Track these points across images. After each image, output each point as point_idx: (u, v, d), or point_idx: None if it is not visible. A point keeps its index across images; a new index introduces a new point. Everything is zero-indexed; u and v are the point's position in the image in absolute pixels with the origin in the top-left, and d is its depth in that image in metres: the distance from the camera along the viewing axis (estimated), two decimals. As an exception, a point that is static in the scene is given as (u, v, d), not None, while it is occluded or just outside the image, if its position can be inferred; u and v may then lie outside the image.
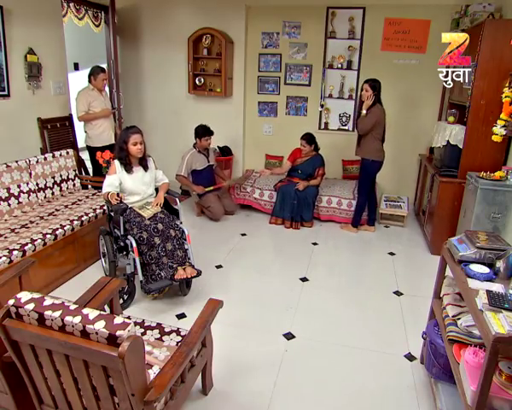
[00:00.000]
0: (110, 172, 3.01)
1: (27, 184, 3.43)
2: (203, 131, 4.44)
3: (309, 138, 4.44)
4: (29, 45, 4.00)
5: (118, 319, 1.27)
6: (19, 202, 3.33)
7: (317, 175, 4.49)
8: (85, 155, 4.59)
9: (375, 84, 3.86)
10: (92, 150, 4.25)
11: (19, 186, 3.34)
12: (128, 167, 3.00)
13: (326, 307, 2.95)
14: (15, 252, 2.67)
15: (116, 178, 2.96)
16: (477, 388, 1.49)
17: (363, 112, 3.89)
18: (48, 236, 2.94)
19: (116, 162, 3.01)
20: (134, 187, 3.03)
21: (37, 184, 3.56)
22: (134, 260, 2.80)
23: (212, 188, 4.50)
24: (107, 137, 4.35)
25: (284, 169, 4.68)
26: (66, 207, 3.53)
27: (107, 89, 4.50)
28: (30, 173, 3.48)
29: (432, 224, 3.86)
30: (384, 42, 4.85)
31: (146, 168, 3.09)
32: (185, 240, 3.00)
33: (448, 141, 3.71)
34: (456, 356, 1.79)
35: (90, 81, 4.24)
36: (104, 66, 4.92)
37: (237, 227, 4.37)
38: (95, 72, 4.19)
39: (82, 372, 1.35)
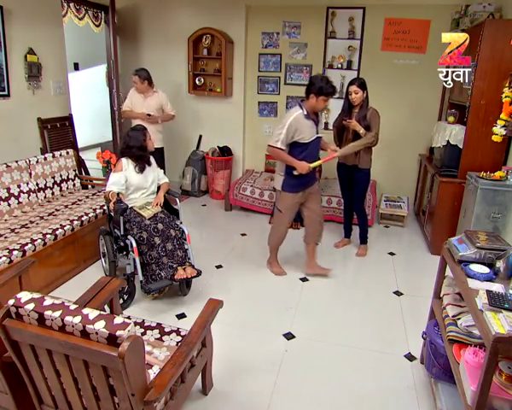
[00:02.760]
0: (116, 169, 3.00)
1: (27, 184, 3.43)
2: (327, 88, 2.89)
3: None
4: (29, 45, 4.00)
5: (118, 319, 1.27)
6: (19, 202, 3.33)
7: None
8: (85, 155, 4.59)
9: (363, 82, 3.33)
10: None
11: (19, 186, 3.34)
12: (142, 166, 3.05)
13: (326, 307, 2.95)
14: (15, 252, 2.67)
15: (122, 176, 2.96)
16: (477, 388, 1.49)
17: (362, 131, 3.31)
18: (48, 236, 2.94)
19: (123, 160, 3.01)
20: (140, 182, 3.05)
21: (37, 184, 3.56)
22: (134, 260, 2.80)
23: (319, 162, 3.12)
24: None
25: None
26: (66, 207, 3.53)
27: (160, 95, 4.36)
28: (30, 173, 3.48)
29: (432, 224, 3.86)
30: (384, 42, 4.85)
31: (149, 163, 3.14)
32: (185, 240, 3.00)
33: (448, 141, 3.71)
34: (456, 356, 1.79)
35: None
36: (104, 66, 4.92)
37: (237, 227, 4.37)
38: (136, 74, 4.18)
39: (82, 372, 1.35)
